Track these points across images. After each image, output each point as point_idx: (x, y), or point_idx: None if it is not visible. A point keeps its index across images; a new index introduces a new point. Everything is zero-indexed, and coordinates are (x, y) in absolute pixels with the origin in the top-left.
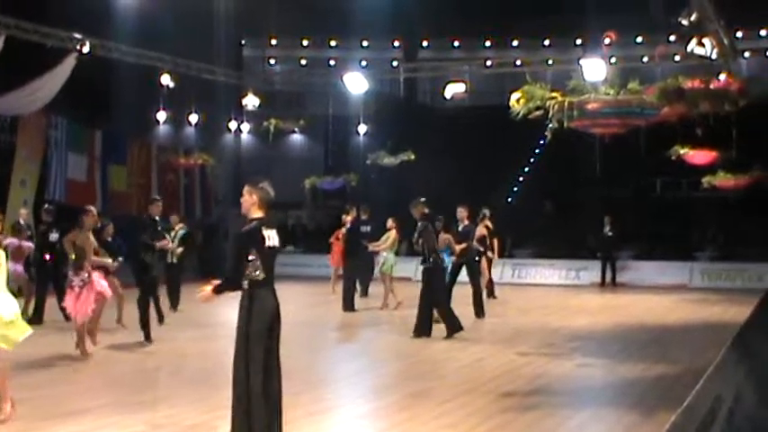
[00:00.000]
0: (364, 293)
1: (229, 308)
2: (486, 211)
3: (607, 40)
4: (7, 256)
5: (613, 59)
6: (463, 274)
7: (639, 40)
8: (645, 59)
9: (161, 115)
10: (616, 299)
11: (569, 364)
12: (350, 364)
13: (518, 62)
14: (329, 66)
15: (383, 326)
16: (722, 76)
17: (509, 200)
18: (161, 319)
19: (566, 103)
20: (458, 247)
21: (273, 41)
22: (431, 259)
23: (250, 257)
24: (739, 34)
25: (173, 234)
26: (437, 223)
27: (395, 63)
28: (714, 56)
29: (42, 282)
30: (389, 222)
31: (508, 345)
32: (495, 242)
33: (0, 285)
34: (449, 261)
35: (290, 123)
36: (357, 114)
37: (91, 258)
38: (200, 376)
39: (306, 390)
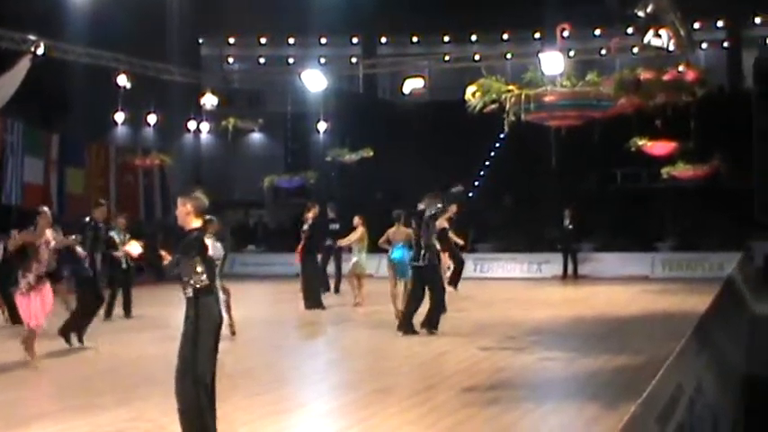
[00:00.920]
0: (336, 291)
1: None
2: (453, 206)
3: (566, 33)
4: None
5: (572, 52)
6: None
7: (598, 32)
8: (603, 52)
9: (119, 116)
10: (578, 291)
11: (531, 358)
12: (313, 362)
13: (477, 57)
14: (288, 63)
15: (345, 323)
16: (680, 68)
17: (470, 194)
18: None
19: (522, 96)
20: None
21: (231, 40)
22: (426, 255)
23: (198, 269)
24: (696, 25)
25: (124, 237)
26: (399, 213)
27: (354, 59)
28: (671, 47)
29: None
30: (356, 220)
31: (470, 339)
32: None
33: None
34: (406, 255)
35: (249, 122)
36: (317, 112)
37: (41, 260)
38: (160, 377)
39: (268, 389)
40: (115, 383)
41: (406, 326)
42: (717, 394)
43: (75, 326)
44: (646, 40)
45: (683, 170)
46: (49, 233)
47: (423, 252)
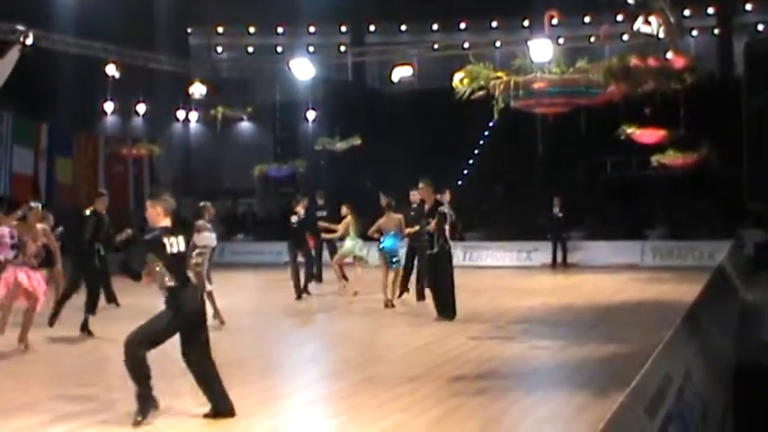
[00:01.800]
0: (318, 279)
1: None
2: (447, 194)
3: (555, 20)
4: None
5: (561, 40)
6: None
7: (587, 20)
8: (592, 39)
9: (108, 106)
10: (567, 279)
11: (520, 346)
12: (301, 351)
13: (465, 44)
14: (276, 52)
15: (334, 312)
16: (669, 55)
17: (459, 183)
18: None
19: (511, 83)
20: (408, 230)
21: (220, 29)
22: (440, 242)
23: (157, 268)
24: (686, 12)
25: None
26: (388, 201)
27: (342, 48)
28: (661, 34)
29: None
30: (344, 209)
31: (459, 328)
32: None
33: None
34: (397, 243)
35: (238, 111)
36: (305, 100)
37: (26, 253)
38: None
39: (257, 377)
40: (109, 372)
41: (448, 311)
42: (706, 383)
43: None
44: (635, 27)
45: (672, 158)
46: (39, 227)
47: (436, 239)
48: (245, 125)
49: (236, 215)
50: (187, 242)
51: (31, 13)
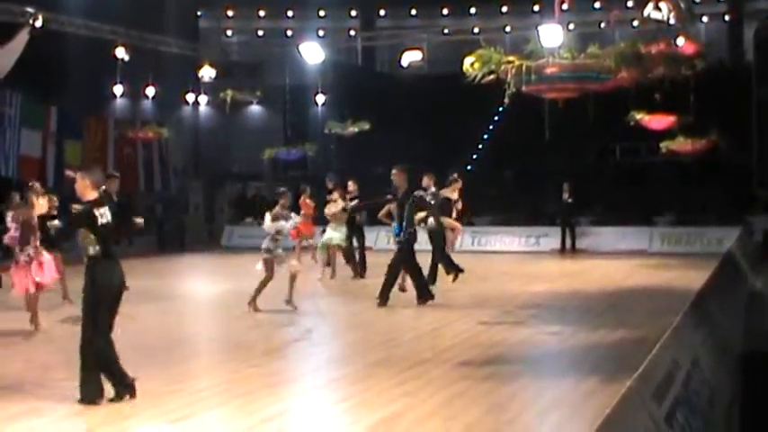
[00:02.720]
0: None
1: (183, 281)
2: (455, 176)
3: (565, 6)
4: None
5: (571, 26)
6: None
7: (597, 5)
8: (602, 25)
9: (117, 89)
10: (575, 265)
11: (528, 332)
12: (308, 335)
13: (475, 29)
14: (286, 36)
15: (343, 296)
16: (680, 41)
17: (468, 168)
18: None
19: (523, 68)
20: (421, 215)
21: (230, 12)
22: (408, 230)
23: (89, 238)
24: None
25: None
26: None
27: (352, 32)
28: (671, 20)
29: None
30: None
31: (466, 313)
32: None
33: None
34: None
35: (248, 94)
36: (315, 84)
37: (37, 234)
38: (158, 350)
39: (265, 361)
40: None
41: (384, 298)
42: (714, 370)
43: None
44: (645, 13)
45: (681, 144)
46: (42, 202)
47: (404, 227)
48: (255, 108)
49: (246, 198)
50: (113, 214)
51: None
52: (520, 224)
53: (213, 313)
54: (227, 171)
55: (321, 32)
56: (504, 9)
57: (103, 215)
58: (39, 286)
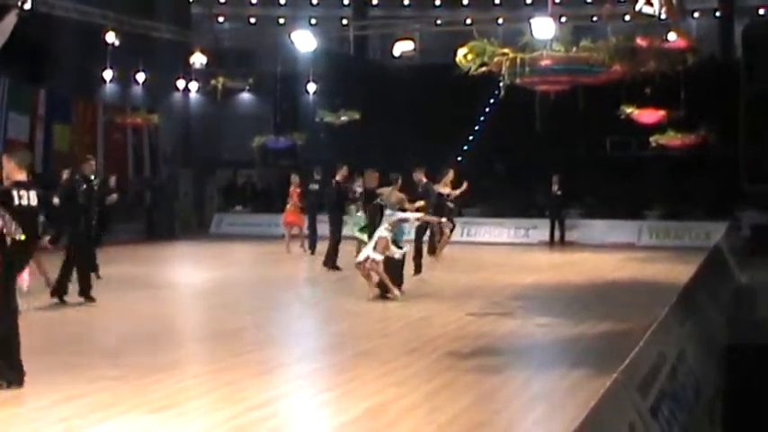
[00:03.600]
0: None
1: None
2: (451, 173)
3: None
4: None
5: (563, 18)
6: None
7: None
8: (594, 19)
9: (107, 74)
10: (564, 257)
11: (515, 323)
12: (298, 324)
13: (468, 20)
14: (278, 24)
15: (332, 285)
16: (671, 35)
17: (459, 159)
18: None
19: (517, 60)
20: (414, 205)
21: None
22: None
23: (6, 218)
24: None
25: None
26: (395, 178)
27: (344, 21)
28: (662, 15)
29: None
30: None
31: (454, 304)
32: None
33: None
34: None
35: (239, 82)
36: (306, 72)
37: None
38: (147, 336)
39: (254, 349)
40: (104, 342)
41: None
42: (700, 363)
43: (65, 283)
44: (637, 8)
45: (671, 139)
46: None
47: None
48: (246, 96)
49: (236, 186)
50: (41, 198)
51: None
52: (509, 216)
53: (200, 301)
54: (217, 158)
55: (313, 21)
56: (497, 1)
57: (23, 197)
58: None
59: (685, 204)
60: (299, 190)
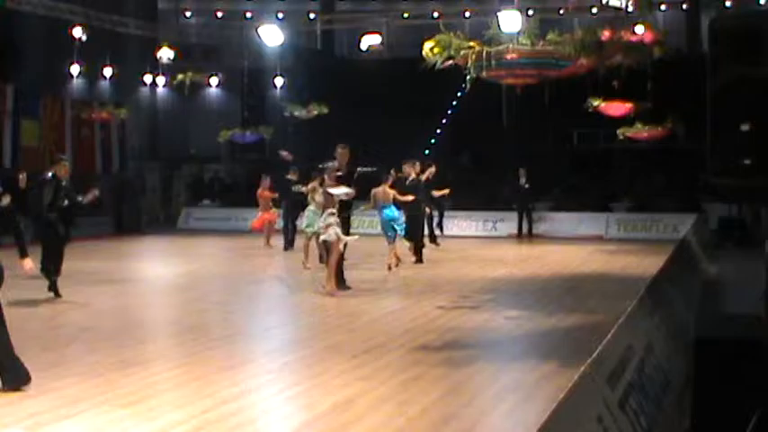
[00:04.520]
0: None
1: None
2: (433, 168)
3: None
4: None
5: (530, 12)
6: None
7: None
8: (561, 11)
9: (74, 69)
10: (532, 250)
11: (483, 316)
12: (266, 318)
13: (435, 14)
14: (245, 18)
15: (300, 280)
16: (638, 28)
17: (427, 152)
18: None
19: (483, 53)
20: (404, 198)
21: None
22: None
23: None
24: None
25: None
26: (388, 176)
27: (312, 15)
28: (630, 7)
29: None
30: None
31: (422, 297)
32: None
33: None
34: (392, 215)
35: (206, 76)
36: (274, 67)
37: None
38: (113, 331)
39: (219, 345)
40: (72, 337)
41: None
42: (668, 355)
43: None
44: (604, 1)
45: (638, 131)
46: None
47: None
48: (213, 91)
49: (203, 181)
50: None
51: None
52: (477, 209)
53: (168, 296)
54: (185, 153)
55: (280, 15)
56: None
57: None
58: None
59: (653, 197)
60: (267, 192)
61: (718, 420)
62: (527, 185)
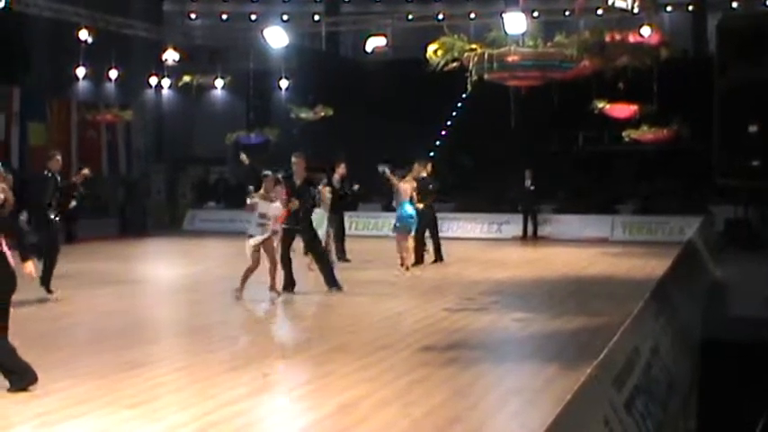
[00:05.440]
0: None
1: (144, 264)
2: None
3: None
4: None
5: (536, 13)
6: None
7: None
8: (567, 13)
9: (80, 71)
10: (537, 252)
11: (489, 318)
12: (267, 320)
13: (440, 16)
14: (250, 20)
15: (304, 281)
16: (644, 30)
17: (431, 153)
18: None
19: (485, 55)
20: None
21: None
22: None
23: None
24: None
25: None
26: (399, 171)
27: (316, 17)
28: (635, 9)
29: None
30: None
31: (428, 299)
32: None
33: None
34: (410, 212)
35: (212, 78)
36: (279, 69)
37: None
38: (114, 333)
39: (223, 346)
40: (77, 338)
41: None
42: (674, 358)
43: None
44: (610, 2)
45: (644, 133)
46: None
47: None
48: (219, 93)
49: (208, 183)
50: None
51: None
52: (482, 210)
53: (173, 297)
54: (190, 155)
55: (285, 17)
56: None
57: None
58: None
59: (658, 199)
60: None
61: (725, 423)
62: (532, 187)
